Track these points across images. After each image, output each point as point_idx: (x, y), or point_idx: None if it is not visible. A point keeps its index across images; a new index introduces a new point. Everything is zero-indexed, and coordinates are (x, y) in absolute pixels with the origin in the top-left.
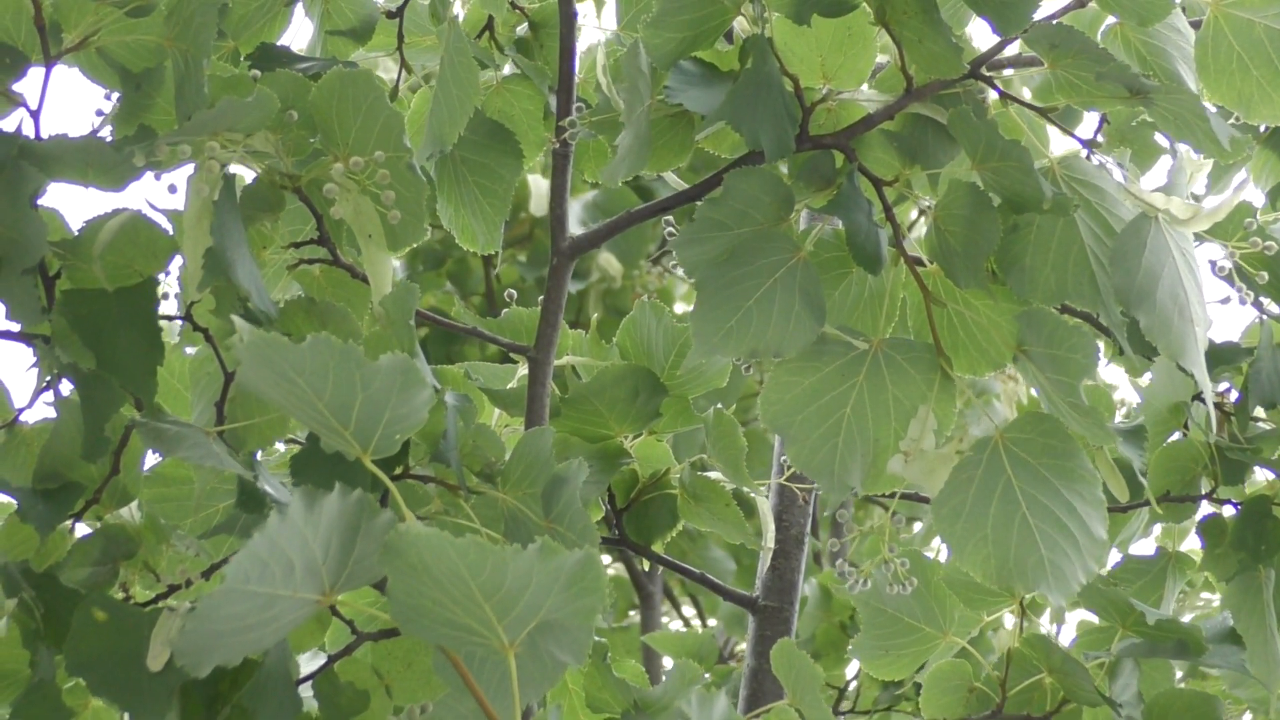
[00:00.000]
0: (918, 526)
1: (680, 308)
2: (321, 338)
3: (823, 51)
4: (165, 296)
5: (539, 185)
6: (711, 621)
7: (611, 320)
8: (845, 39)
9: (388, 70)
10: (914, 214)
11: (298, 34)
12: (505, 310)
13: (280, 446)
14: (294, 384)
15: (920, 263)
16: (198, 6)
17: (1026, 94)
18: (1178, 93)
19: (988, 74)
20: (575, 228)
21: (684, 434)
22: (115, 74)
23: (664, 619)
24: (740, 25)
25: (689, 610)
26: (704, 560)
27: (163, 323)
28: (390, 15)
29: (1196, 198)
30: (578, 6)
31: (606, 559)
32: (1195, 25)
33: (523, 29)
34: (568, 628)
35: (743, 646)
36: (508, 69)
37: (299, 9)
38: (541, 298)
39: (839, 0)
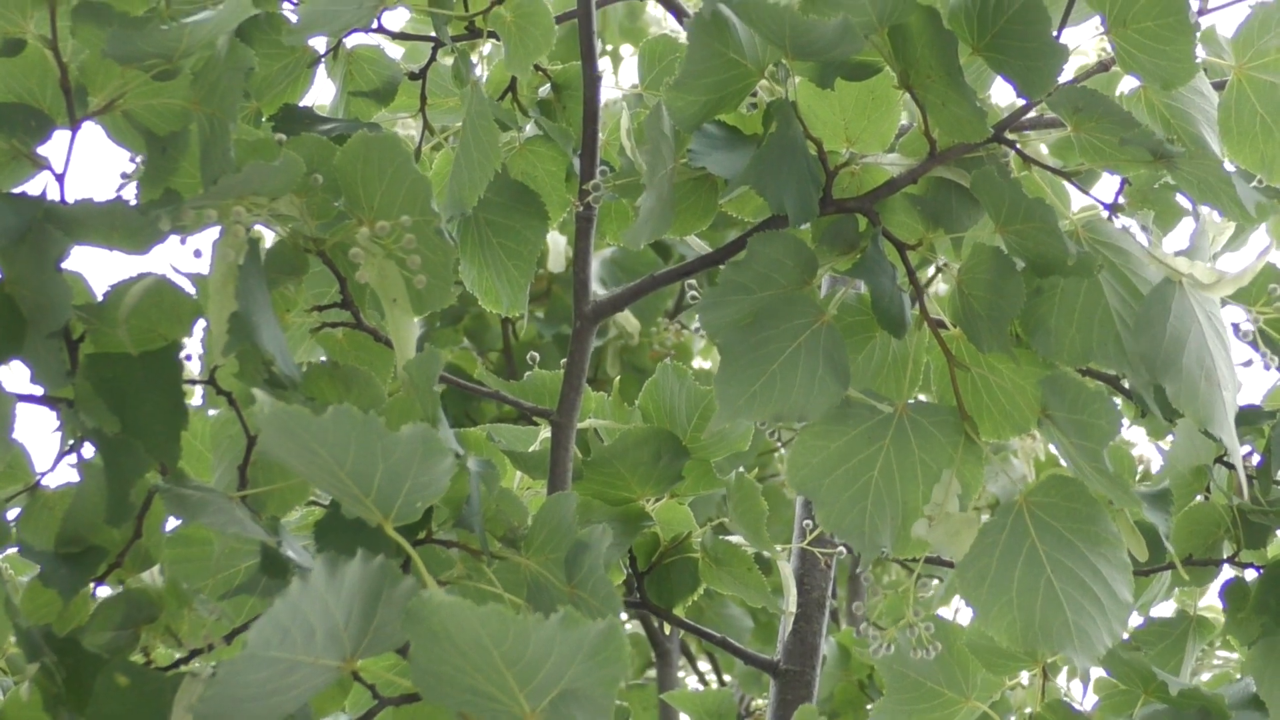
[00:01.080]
0: (934, 582)
1: (698, 363)
2: (342, 409)
3: (846, 115)
4: (189, 358)
5: (557, 242)
6: (728, 678)
7: (629, 377)
8: (869, 103)
9: (407, 128)
10: (931, 270)
11: (320, 94)
12: (527, 373)
13: (301, 509)
14: (315, 454)
15: (944, 325)
16: (224, 70)
17: (1044, 150)
18: (1201, 157)
19: (1011, 138)
20: (594, 285)
21: (705, 496)
22: (140, 137)
23: (680, 674)
24: (764, 88)
25: (705, 666)
26: (721, 618)
27: (186, 386)
28: (413, 77)
29: (1216, 257)
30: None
31: (623, 615)
32: (1219, 87)
33: (545, 90)
34: (590, 696)
35: (759, 703)
36: (530, 130)
37: (321, 70)
38: (564, 360)
39: (863, 64)
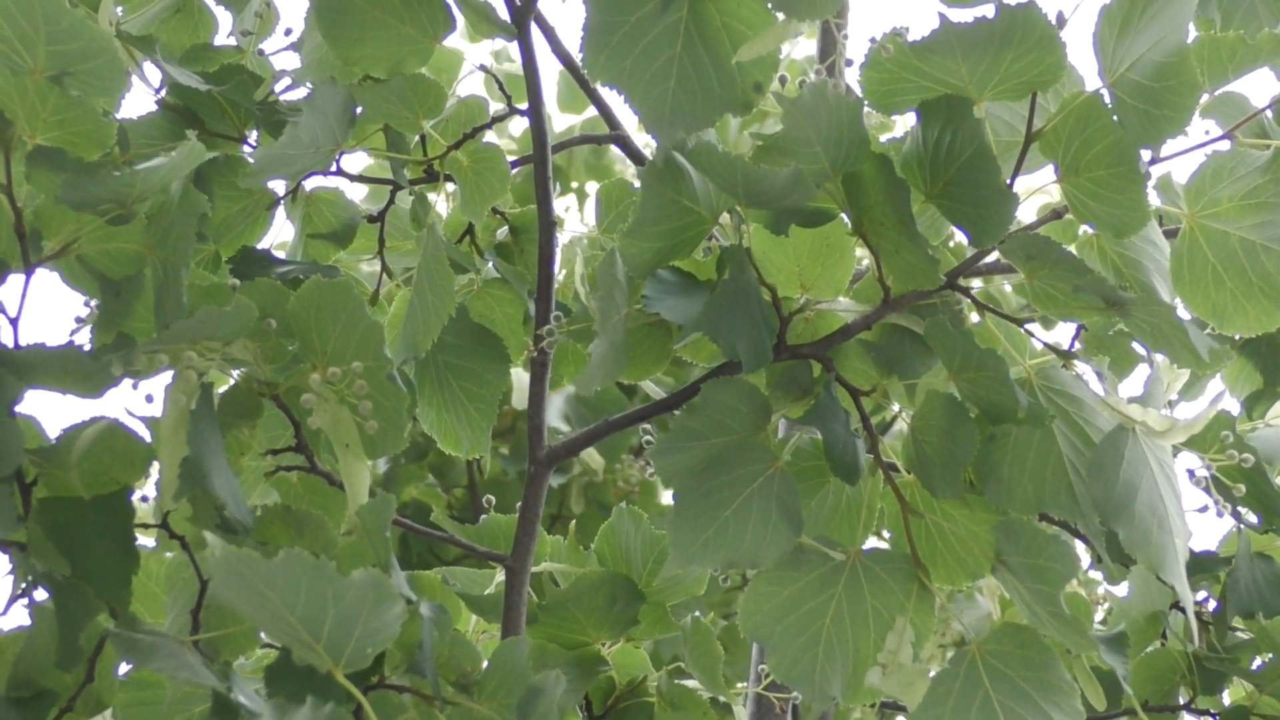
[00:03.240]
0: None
1: (666, 498)
2: (293, 554)
3: (801, 262)
4: (145, 499)
5: (520, 379)
6: None
7: (592, 513)
8: (823, 249)
9: (373, 265)
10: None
11: (282, 232)
12: (483, 516)
13: (258, 651)
14: (266, 598)
15: (896, 469)
16: (177, 216)
17: (1008, 289)
18: (1154, 304)
19: (964, 285)
20: (556, 420)
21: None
22: (95, 281)
23: None
24: (720, 232)
25: None
26: None
27: (140, 529)
28: (371, 219)
29: (1172, 404)
30: (560, 200)
31: None
32: (1171, 235)
33: (503, 233)
34: None
35: None
36: (489, 272)
37: (280, 211)
38: (520, 504)
39: (816, 211)
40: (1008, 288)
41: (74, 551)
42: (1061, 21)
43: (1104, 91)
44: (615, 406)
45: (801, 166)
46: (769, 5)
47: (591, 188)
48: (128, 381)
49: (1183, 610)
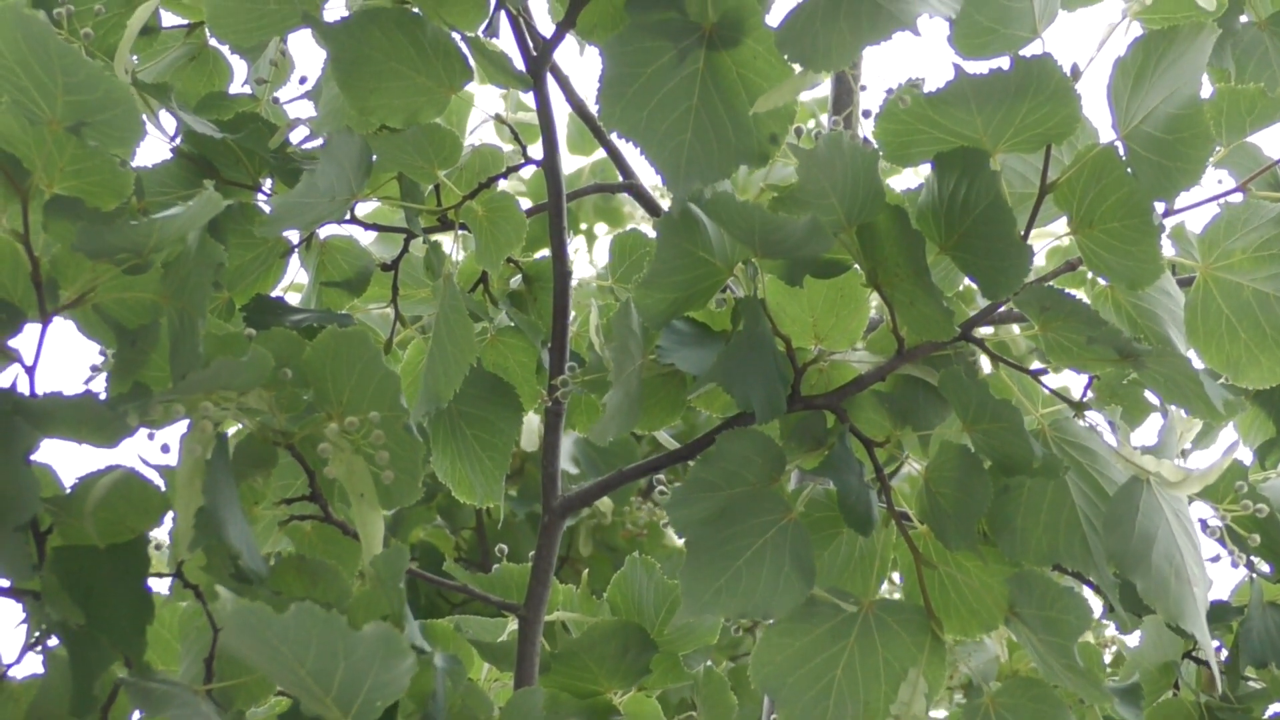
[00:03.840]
0: None
1: (674, 540)
2: (304, 606)
3: (815, 313)
4: (159, 548)
5: (531, 422)
6: None
7: (601, 557)
8: (838, 301)
9: (382, 313)
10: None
11: (293, 275)
12: (496, 566)
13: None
14: (277, 651)
15: (908, 518)
16: (193, 266)
17: (1015, 331)
18: (1169, 355)
19: (978, 336)
20: (565, 463)
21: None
22: (111, 330)
23: None
24: (735, 283)
25: None
26: None
27: (154, 579)
28: (385, 268)
29: (1185, 453)
30: (569, 242)
31: None
32: (1185, 284)
33: (517, 281)
34: None
35: None
36: (502, 320)
37: (294, 259)
38: (532, 554)
39: (831, 262)
40: (1015, 329)
41: (89, 600)
42: (1076, 74)
43: (1118, 144)
44: (625, 451)
45: (818, 216)
46: (785, 57)
47: (600, 229)
48: (143, 430)
49: (1196, 660)
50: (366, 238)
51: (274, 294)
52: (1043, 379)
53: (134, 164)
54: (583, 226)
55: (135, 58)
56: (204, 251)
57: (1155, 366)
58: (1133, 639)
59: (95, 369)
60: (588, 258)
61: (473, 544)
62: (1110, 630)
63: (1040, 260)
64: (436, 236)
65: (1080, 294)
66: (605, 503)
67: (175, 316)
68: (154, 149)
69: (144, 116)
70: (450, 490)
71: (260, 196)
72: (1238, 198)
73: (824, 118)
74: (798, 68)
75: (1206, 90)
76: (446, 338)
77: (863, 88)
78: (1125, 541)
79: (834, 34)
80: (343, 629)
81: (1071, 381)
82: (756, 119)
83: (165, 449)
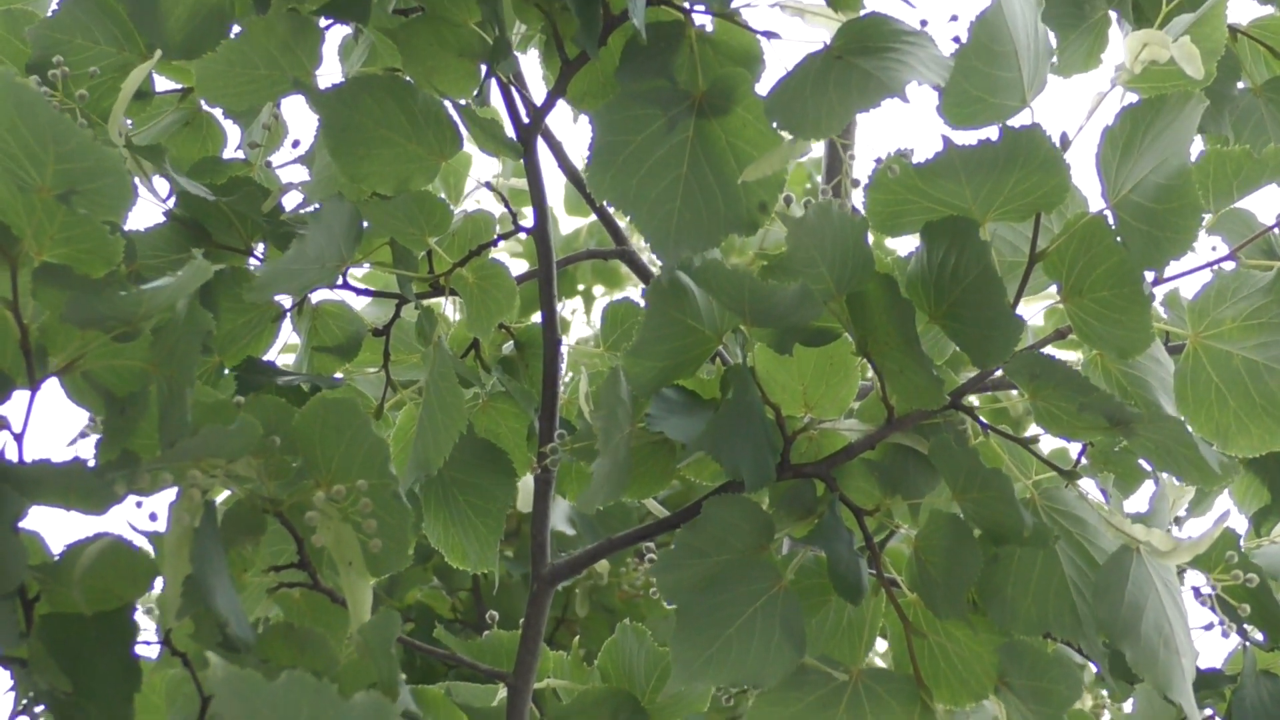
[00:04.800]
0: None
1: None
2: (295, 675)
3: (805, 381)
4: (150, 612)
5: (526, 484)
6: None
7: (598, 617)
8: (827, 369)
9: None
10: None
11: (286, 337)
12: (486, 633)
13: None
14: (267, 719)
15: (898, 585)
16: (182, 334)
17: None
18: (1161, 420)
19: (968, 404)
20: (561, 524)
21: None
22: (100, 397)
23: None
24: (724, 352)
25: None
26: None
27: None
28: (377, 333)
29: (1180, 520)
30: (567, 302)
31: None
32: (1175, 352)
33: (509, 347)
34: None
35: None
36: (494, 386)
37: (287, 324)
38: (523, 621)
39: (821, 330)
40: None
41: (76, 668)
42: (1065, 143)
43: (1107, 213)
44: (620, 514)
45: (807, 284)
46: (774, 125)
47: (598, 290)
48: (132, 498)
49: None
50: (359, 302)
51: (265, 358)
52: (1034, 445)
53: (127, 228)
54: (580, 287)
55: (129, 121)
56: (192, 319)
57: (1146, 433)
58: (1126, 704)
59: (82, 435)
60: (585, 319)
61: (469, 605)
62: (1104, 694)
63: (1039, 321)
64: (428, 302)
65: (1071, 359)
66: (602, 564)
67: (164, 384)
68: (147, 213)
69: (136, 180)
70: (446, 558)
71: (252, 261)
72: (1229, 265)
73: (819, 178)
74: (787, 136)
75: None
76: (436, 405)
77: (852, 156)
78: (1115, 610)
79: (823, 102)
80: (333, 697)
81: (1064, 445)
82: (746, 187)
83: (153, 517)
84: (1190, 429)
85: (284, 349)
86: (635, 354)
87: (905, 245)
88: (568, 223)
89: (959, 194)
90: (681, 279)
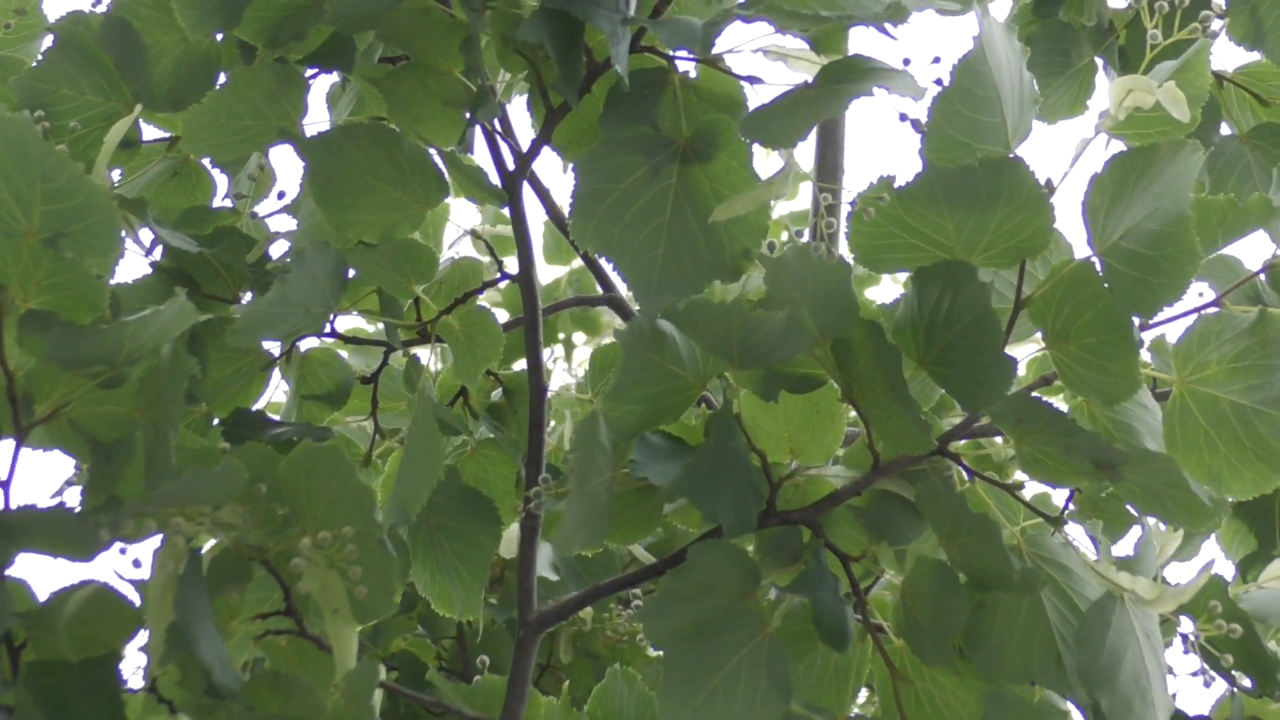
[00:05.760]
0: None
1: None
2: None
3: (790, 427)
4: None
5: (512, 530)
6: None
7: (581, 664)
8: (813, 415)
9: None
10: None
11: (276, 390)
12: (477, 678)
13: None
14: None
15: (884, 630)
16: (167, 379)
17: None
18: (1149, 460)
19: (954, 450)
20: (545, 570)
21: None
22: (85, 444)
23: None
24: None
25: None
26: None
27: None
28: (365, 381)
29: (1164, 566)
30: (547, 351)
31: None
32: (1162, 398)
33: (497, 394)
34: None
35: None
36: (483, 433)
37: (275, 372)
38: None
39: (806, 377)
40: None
41: (61, 715)
42: (1050, 189)
43: (1094, 259)
44: (605, 558)
45: (794, 312)
46: (740, 133)
47: (579, 338)
48: (119, 545)
49: None
50: (347, 350)
51: (256, 408)
52: (1020, 491)
53: (113, 281)
54: (560, 336)
55: (115, 173)
56: (176, 364)
57: (1133, 476)
58: None
59: (68, 484)
60: (566, 367)
61: (454, 653)
62: None
63: (1022, 369)
64: (415, 349)
65: (1057, 403)
66: (586, 610)
67: (150, 430)
68: (134, 265)
69: (122, 232)
70: (433, 606)
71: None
72: (1214, 310)
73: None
74: (762, 176)
75: None
76: (417, 450)
77: (837, 203)
78: (1094, 659)
79: (795, 116)
80: None
81: (1050, 491)
82: (729, 233)
83: (137, 564)
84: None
85: (271, 406)
86: (613, 397)
87: (887, 295)
88: (547, 271)
89: (942, 229)
90: (661, 325)
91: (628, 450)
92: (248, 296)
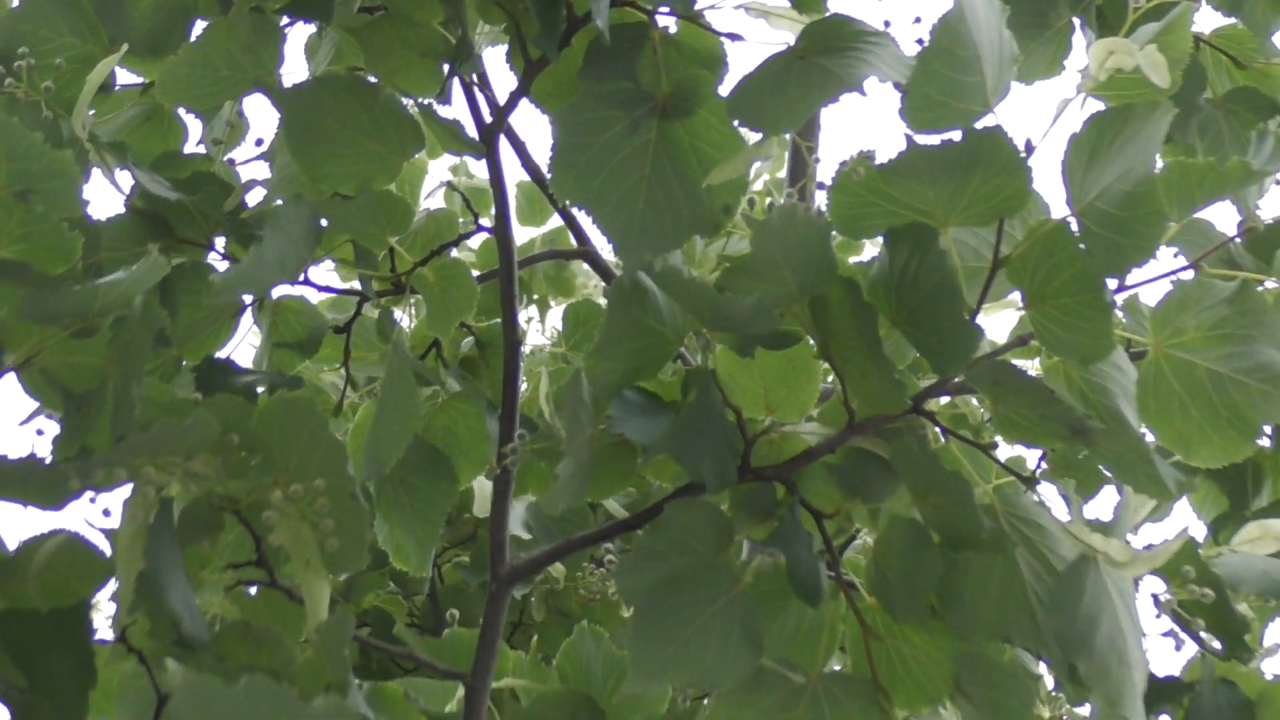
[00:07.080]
0: None
1: (627, 612)
2: (255, 680)
3: (766, 384)
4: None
5: (483, 487)
6: None
7: (554, 622)
8: (789, 372)
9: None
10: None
11: (248, 332)
12: (446, 631)
13: None
14: None
15: (857, 588)
16: (136, 331)
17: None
18: (1121, 434)
19: (929, 409)
20: (517, 528)
21: None
22: (58, 393)
23: None
24: (686, 353)
25: None
26: None
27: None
28: (338, 330)
29: (1138, 527)
30: (522, 312)
31: None
32: (1137, 358)
33: (469, 345)
34: None
35: None
36: (454, 385)
37: (247, 317)
38: (481, 621)
39: (782, 334)
40: (973, 400)
41: (31, 664)
42: (1029, 149)
43: (1071, 219)
44: (577, 516)
45: (765, 295)
46: (735, 122)
47: (552, 300)
48: (90, 494)
49: None
50: (320, 297)
51: (226, 354)
52: (995, 451)
53: (90, 217)
54: (535, 296)
55: (92, 112)
56: (147, 316)
57: (1106, 444)
58: (1082, 708)
59: (37, 414)
60: (540, 328)
61: (425, 609)
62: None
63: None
64: (388, 300)
65: (1034, 366)
66: (558, 568)
67: (118, 381)
68: (110, 203)
69: (100, 171)
70: (391, 559)
71: (213, 254)
72: (1189, 275)
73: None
74: (750, 138)
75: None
76: (392, 404)
77: (816, 160)
78: (1070, 623)
79: (783, 98)
80: (293, 702)
81: (1025, 452)
82: (709, 189)
83: (106, 513)
84: (1150, 441)
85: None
86: (597, 355)
87: (866, 254)
88: (521, 233)
89: (922, 196)
90: (642, 280)
91: (605, 406)
92: (221, 241)
